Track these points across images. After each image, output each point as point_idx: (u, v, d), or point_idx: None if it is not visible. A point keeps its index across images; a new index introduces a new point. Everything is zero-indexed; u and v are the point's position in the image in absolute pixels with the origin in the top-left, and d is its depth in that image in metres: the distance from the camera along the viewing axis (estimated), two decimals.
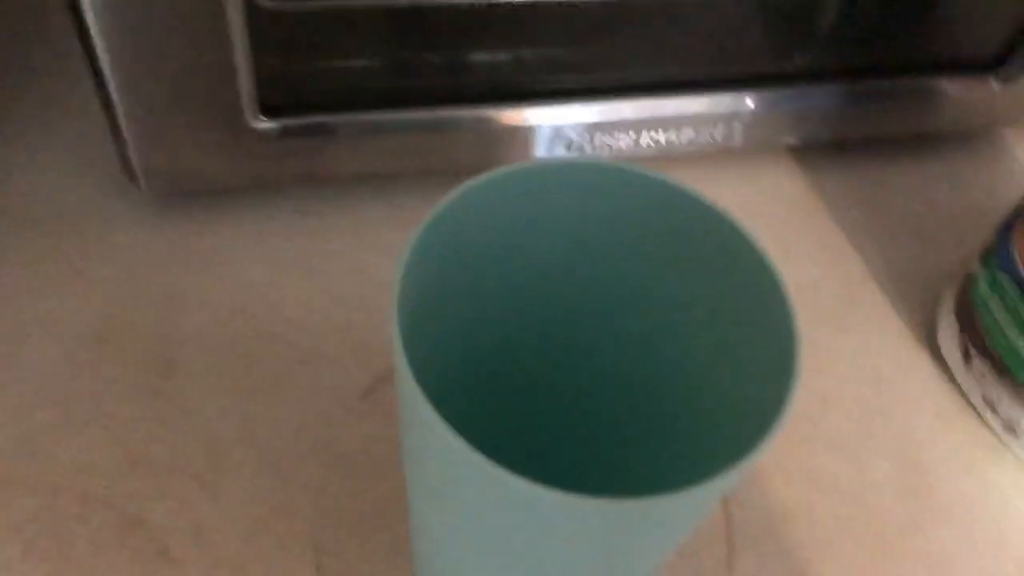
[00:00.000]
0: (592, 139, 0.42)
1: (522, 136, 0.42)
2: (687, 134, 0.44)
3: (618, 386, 0.27)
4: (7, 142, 0.43)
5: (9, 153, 0.43)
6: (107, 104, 0.36)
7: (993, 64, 0.47)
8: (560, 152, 0.43)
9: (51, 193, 0.42)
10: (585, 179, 0.22)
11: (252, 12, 0.34)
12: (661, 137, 0.43)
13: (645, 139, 0.44)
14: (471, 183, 0.21)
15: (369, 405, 0.37)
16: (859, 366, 0.41)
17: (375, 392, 0.37)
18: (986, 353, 0.38)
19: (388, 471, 0.35)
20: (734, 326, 0.22)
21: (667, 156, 0.44)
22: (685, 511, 0.19)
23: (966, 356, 0.40)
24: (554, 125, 0.42)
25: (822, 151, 0.50)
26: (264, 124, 0.37)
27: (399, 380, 0.20)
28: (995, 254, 0.38)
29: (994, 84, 0.47)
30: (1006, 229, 0.38)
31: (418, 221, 0.42)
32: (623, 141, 0.43)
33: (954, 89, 0.46)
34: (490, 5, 0.39)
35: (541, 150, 0.43)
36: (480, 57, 0.41)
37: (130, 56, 0.34)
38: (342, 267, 0.41)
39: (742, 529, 0.36)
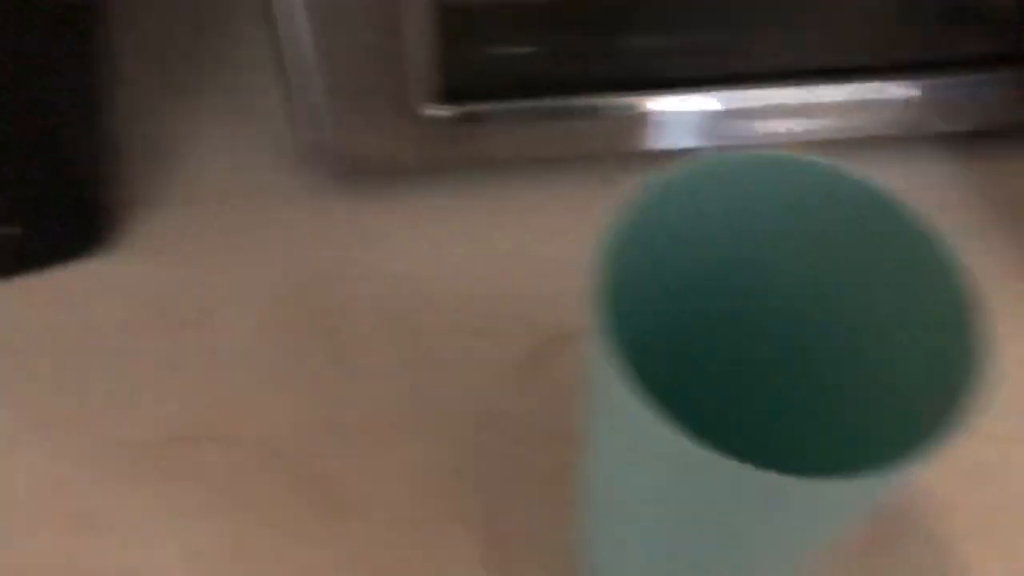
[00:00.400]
0: (740, 126, 0.43)
1: (679, 122, 0.43)
2: (841, 120, 0.44)
3: (796, 373, 0.28)
4: (195, 123, 0.46)
5: (197, 133, 0.46)
6: (289, 89, 0.38)
7: None
8: (713, 139, 0.44)
9: (234, 171, 0.45)
10: (779, 172, 0.23)
11: (432, 2, 0.36)
12: (816, 124, 0.44)
13: (794, 126, 0.45)
14: (674, 173, 0.23)
15: (532, 376, 0.39)
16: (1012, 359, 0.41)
17: (537, 364, 0.39)
18: None
19: (552, 440, 0.37)
20: (917, 324, 0.23)
21: (818, 142, 0.45)
22: (869, 495, 0.20)
23: None
24: (705, 111, 0.43)
25: (973, 138, 0.50)
26: (435, 111, 0.39)
27: (596, 356, 0.21)
28: None
29: None
30: None
31: (577, 205, 0.43)
32: (772, 127, 0.44)
33: None
34: None
35: (696, 137, 0.44)
36: (636, 44, 0.42)
37: (312, 43, 0.36)
38: (502, 246, 0.43)
39: (888, 516, 0.36)
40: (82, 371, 0.39)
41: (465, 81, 0.40)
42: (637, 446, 0.21)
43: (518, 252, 0.43)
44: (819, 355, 0.28)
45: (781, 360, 0.29)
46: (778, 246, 0.25)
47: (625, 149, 0.43)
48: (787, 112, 0.43)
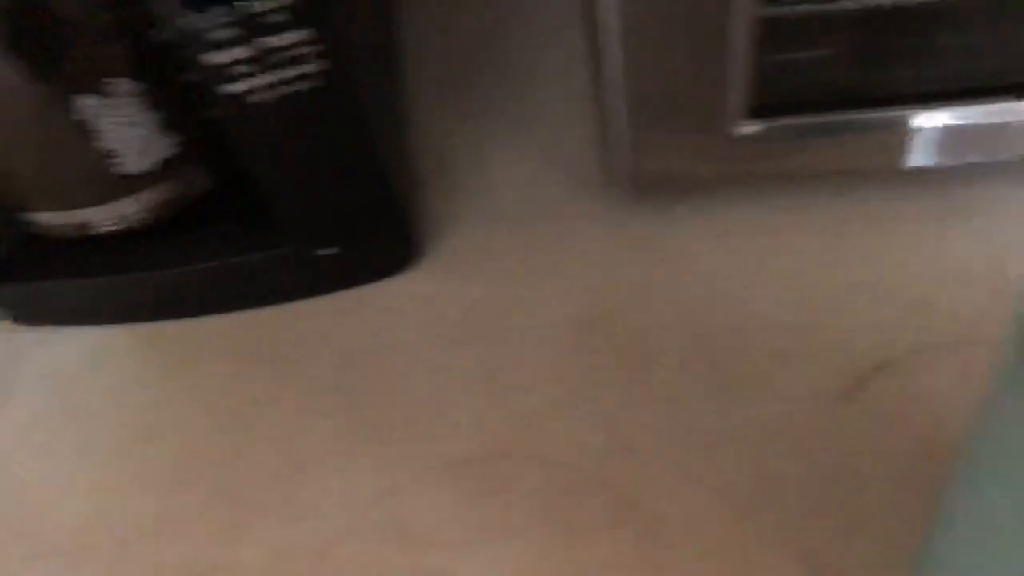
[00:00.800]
0: None
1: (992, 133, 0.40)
2: None
3: None
4: (491, 144, 0.47)
5: (493, 154, 0.47)
6: (599, 110, 0.38)
7: None
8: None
9: (530, 191, 0.45)
10: None
11: (755, 22, 0.34)
12: None
13: None
14: None
15: (851, 407, 0.37)
16: None
17: (858, 395, 0.37)
18: None
19: (876, 475, 0.35)
20: None
21: None
22: None
23: None
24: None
25: None
26: (744, 127, 0.38)
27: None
28: None
29: None
30: None
31: (887, 225, 0.41)
32: None
33: None
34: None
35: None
36: (951, 54, 0.39)
37: (624, 67, 0.36)
38: (806, 266, 0.42)
39: None
40: (399, 385, 0.40)
41: (775, 97, 0.38)
42: None
43: (827, 274, 0.41)
44: None
45: None
46: None
47: (942, 163, 0.40)
48: None
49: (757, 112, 0.38)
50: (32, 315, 0.43)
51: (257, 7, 0.31)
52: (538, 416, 0.39)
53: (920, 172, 0.41)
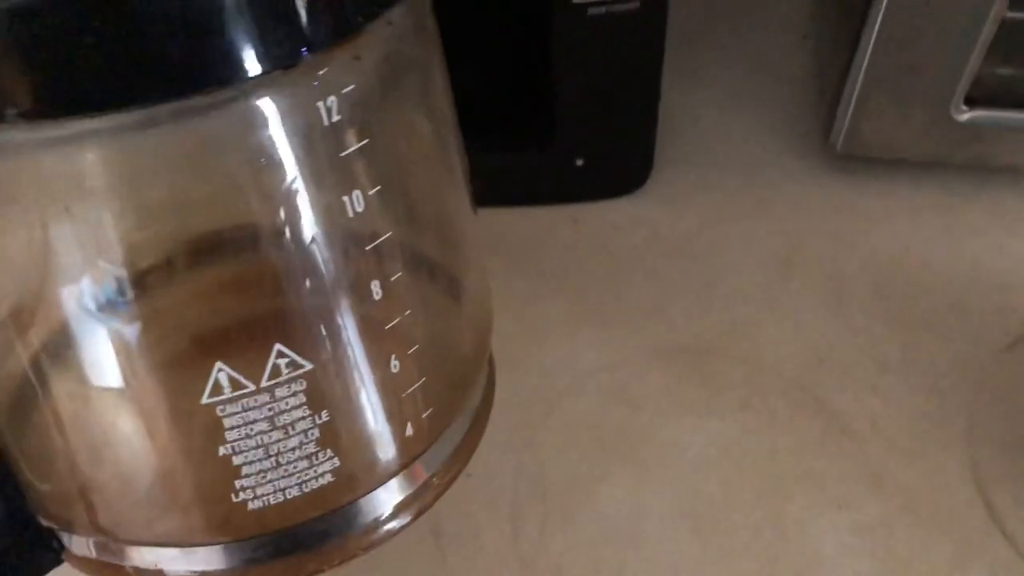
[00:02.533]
0: None
1: None
2: None
3: None
4: (718, 100, 0.54)
5: (718, 108, 0.54)
6: (846, 74, 0.45)
7: None
8: None
9: (743, 143, 0.53)
10: None
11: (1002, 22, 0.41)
12: None
13: None
14: None
15: (1014, 357, 0.44)
16: None
17: (1018, 348, 0.44)
18: None
19: None
20: None
21: None
22: None
23: None
24: None
25: None
26: (964, 114, 0.45)
27: None
28: None
29: None
30: None
31: None
32: None
33: None
34: None
35: None
36: None
37: (886, 42, 0.43)
38: (982, 241, 0.48)
39: None
40: (621, 283, 0.48)
41: (993, 90, 0.45)
42: None
43: (995, 250, 0.48)
44: None
45: None
46: None
47: None
48: None
49: (975, 102, 0.45)
50: None
51: None
52: (743, 325, 0.46)
53: None
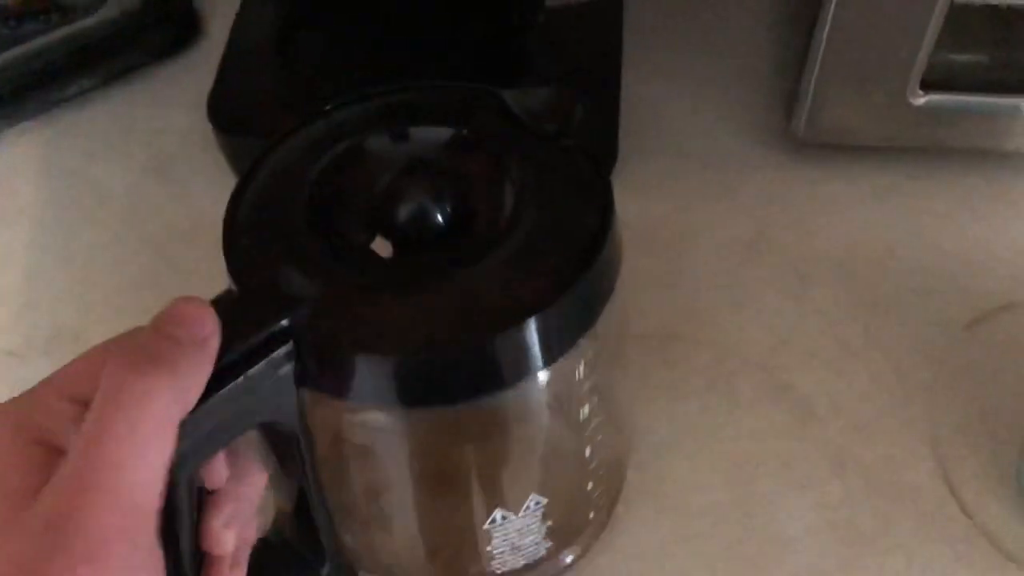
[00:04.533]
0: None
1: None
2: None
3: None
4: (684, 90, 0.55)
5: (684, 98, 0.55)
6: (804, 63, 0.46)
7: None
8: None
9: (711, 133, 0.53)
10: None
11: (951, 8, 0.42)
12: None
13: None
14: None
15: (972, 336, 0.45)
16: None
17: (976, 327, 0.45)
18: None
19: (992, 388, 0.43)
20: None
21: None
22: None
23: None
24: None
25: None
26: (920, 98, 0.46)
27: None
28: None
29: None
30: None
31: (1007, 194, 0.49)
32: None
33: None
34: None
35: None
36: None
37: (841, 29, 0.44)
38: (940, 225, 0.49)
39: None
40: None
41: (939, 77, 0.46)
42: None
43: (953, 233, 0.49)
44: None
45: None
46: None
47: None
48: None
49: (931, 86, 0.46)
50: None
51: None
52: (708, 310, 0.46)
53: None
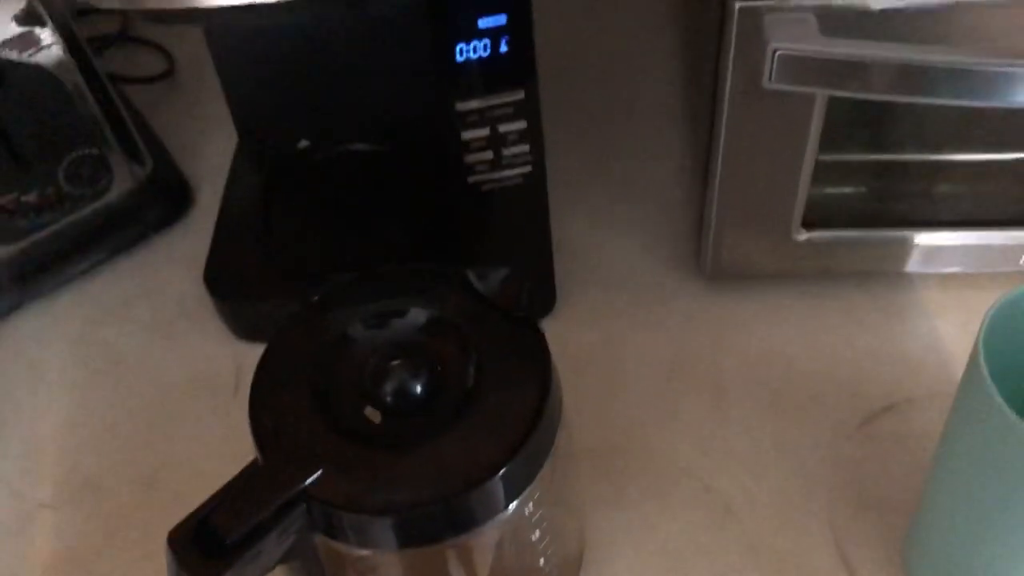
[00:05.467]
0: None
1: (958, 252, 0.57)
2: None
3: None
4: (609, 231, 0.64)
5: (611, 239, 0.64)
6: (702, 215, 0.55)
7: None
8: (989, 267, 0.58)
9: (635, 266, 0.63)
10: None
11: (816, 163, 0.52)
12: None
13: None
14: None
15: (864, 435, 0.54)
16: None
17: (868, 427, 0.54)
18: None
19: (882, 479, 0.51)
20: None
21: None
22: None
23: None
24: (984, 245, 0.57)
25: None
26: (802, 235, 0.56)
27: (975, 384, 0.36)
28: None
29: None
30: None
31: (891, 309, 0.58)
32: None
33: None
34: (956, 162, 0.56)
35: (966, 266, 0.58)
36: (941, 192, 0.57)
37: (733, 178, 0.53)
38: (834, 337, 0.58)
39: None
40: None
41: (820, 215, 0.56)
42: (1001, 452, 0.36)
43: (846, 343, 0.58)
44: None
45: None
46: None
47: (926, 271, 0.58)
48: None
49: (811, 224, 0.56)
50: None
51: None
52: (640, 425, 0.55)
53: (923, 276, 0.58)
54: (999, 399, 0.35)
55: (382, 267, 0.42)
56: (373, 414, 0.38)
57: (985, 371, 0.36)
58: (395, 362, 0.38)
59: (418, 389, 0.38)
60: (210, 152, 0.70)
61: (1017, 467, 0.36)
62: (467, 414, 0.37)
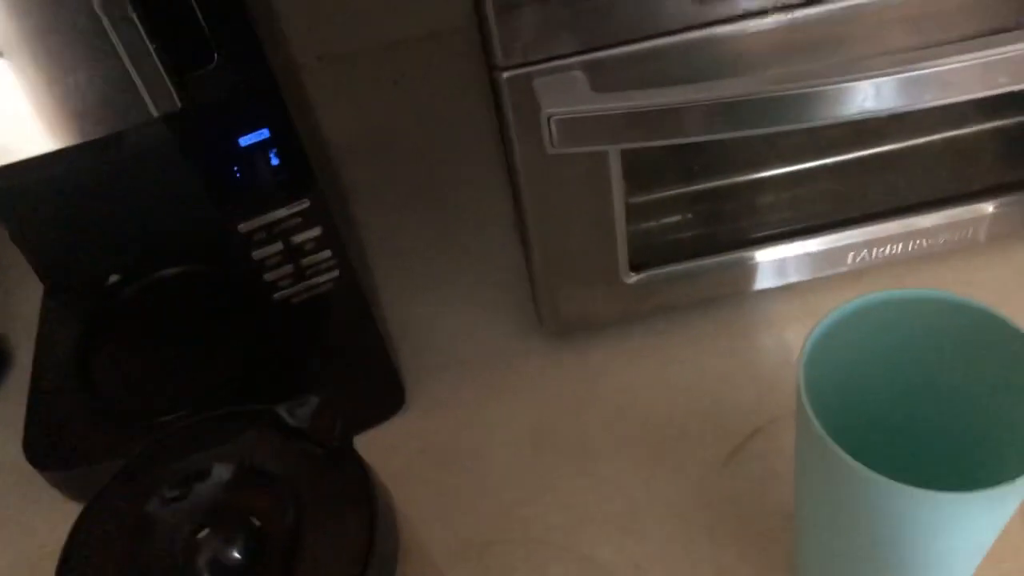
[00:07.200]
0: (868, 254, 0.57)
1: (800, 263, 0.57)
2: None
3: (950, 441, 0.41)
4: (445, 305, 0.62)
5: (448, 313, 0.62)
6: (530, 276, 0.54)
7: None
8: (831, 269, 0.58)
9: (480, 338, 0.61)
10: (929, 307, 0.37)
11: (628, 208, 0.51)
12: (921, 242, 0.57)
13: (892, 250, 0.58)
14: (855, 303, 0.37)
15: (736, 464, 0.53)
16: None
17: (738, 455, 0.53)
18: None
19: (761, 513, 0.50)
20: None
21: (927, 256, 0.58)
22: (994, 507, 0.34)
23: None
24: (826, 250, 0.57)
25: None
26: (632, 277, 0.55)
27: (806, 426, 0.35)
28: None
29: None
30: None
31: (737, 331, 0.58)
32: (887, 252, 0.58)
33: None
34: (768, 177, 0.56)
35: (811, 272, 0.58)
36: (764, 211, 0.57)
37: (548, 238, 0.52)
38: (688, 369, 0.57)
39: None
40: (405, 500, 0.54)
41: (649, 253, 0.55)
42: (833, 487, 0.35)
43: (702, 375, 0.57)
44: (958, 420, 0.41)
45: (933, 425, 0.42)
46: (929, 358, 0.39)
47: (774, 284, 0.57)
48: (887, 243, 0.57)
49: (637, 266, 0.55)
50: None
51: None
52: (513, 507, 0.53)
53: (762, 291, 0.58)
54: (833, 446, 0.34)
55: (182, 421, 0.39)
56: None
57: (811, 413, 0.35)
58: (203, 533, 0.35)
59: (235, 554, 0.35)
60: (22, 309, 0.66)
61: (856, 497, 0.35)
62: (295, 566, 0.34)
